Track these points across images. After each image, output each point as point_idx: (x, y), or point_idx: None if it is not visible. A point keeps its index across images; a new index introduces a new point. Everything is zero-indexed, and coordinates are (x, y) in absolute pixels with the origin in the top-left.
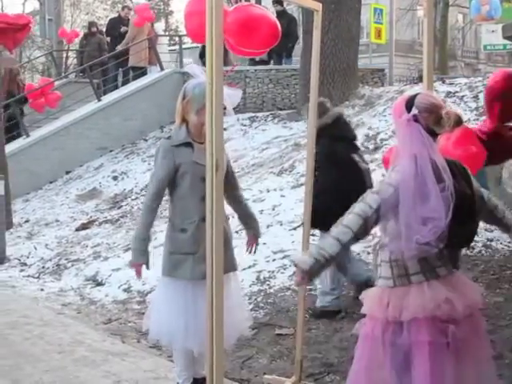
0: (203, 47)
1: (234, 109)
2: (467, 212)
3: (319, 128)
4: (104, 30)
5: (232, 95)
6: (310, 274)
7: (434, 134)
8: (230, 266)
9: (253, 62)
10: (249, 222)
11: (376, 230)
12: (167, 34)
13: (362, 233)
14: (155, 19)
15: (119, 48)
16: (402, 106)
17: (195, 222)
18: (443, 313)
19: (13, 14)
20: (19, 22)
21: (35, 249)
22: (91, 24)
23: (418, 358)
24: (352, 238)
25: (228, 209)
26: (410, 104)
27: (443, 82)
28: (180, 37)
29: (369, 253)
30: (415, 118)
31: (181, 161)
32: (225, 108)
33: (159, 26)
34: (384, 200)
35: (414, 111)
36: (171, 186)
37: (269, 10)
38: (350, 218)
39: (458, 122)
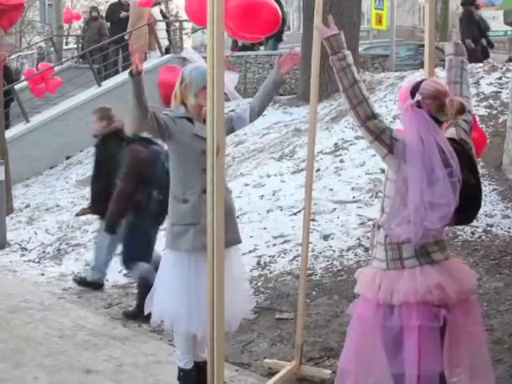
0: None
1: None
2: (471, 199)
3: (109, 132)
4: (104, 15)
5: (228, 79)
6: (335, 35)
7: (437, 121)
8: (232, 238)
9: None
10: (266, 86)
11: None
12: (167, 18)
13: (367, 112)
14: (154, 4)
15: (126, 35)
16: (407, 92)
17: (196, 192)
18: (434, 298)
19: None
20: (14, 2)
21: (36, 234)
22: (92, 9)
23: (408, 341)
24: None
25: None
26: (414, 90)
27: (444, 68)
28: (181, 22)
29: (368, 238)
30: (418, 104)
31: (181, 131)
32: (225, 94)
33: (157, 11)
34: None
35: (418, 97)
36: (172, 158)
37: None
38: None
39: (461, 110)
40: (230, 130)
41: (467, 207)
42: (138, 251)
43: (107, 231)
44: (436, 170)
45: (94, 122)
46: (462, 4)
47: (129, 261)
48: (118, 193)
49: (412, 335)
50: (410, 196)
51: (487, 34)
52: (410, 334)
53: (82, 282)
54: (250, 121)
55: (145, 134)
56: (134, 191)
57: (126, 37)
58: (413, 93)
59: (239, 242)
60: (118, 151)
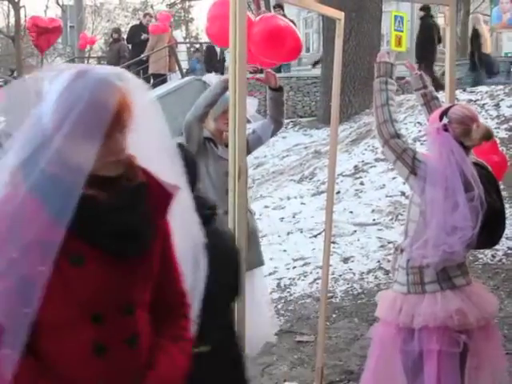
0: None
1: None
2: (496, 222)
3: None
4: (125, 37)
5: (249, 105)
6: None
7: (463, 146)
8: (255, 261)
9: None
10: (269, 106)
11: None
12: (188, 41)
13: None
14: (175, 27)
15: (143, 57)
16: (437, 115)
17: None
18: (455, 323)
19: (47, 18)
20: (53, 25)
21: None
22: (114, 31)
23: (428, 366)
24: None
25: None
26: (443, 114)
27: (464, 90)
28: (201, 44)
29: (389, 261)
30: (445, 128)
31: (207, 152)
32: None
33: (179, 34)
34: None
35: (445, 121)
36: None
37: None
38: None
39: (487, 136)
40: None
41: (492, 230)
42: None
43: None
44: (456, 194)
45: None
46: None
47: None
48: None
49: (432, 360)
50: (430, 219)
51: None
52: (429, 358)
53: None
54: (271, 135)
55: None
56: None
57: (145, 59)
58: (442, 116)
59: (262, 264)
60: None
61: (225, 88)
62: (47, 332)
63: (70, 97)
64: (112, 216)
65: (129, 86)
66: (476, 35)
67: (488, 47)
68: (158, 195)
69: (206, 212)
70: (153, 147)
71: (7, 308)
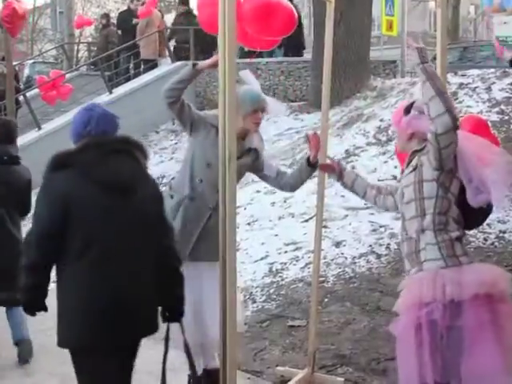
0: None
1: None
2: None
3: None
4: (115, 23)
5: (276, 106)
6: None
7: None
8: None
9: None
10: (298, 169)
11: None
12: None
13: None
14: (165, 12)
15: (133, 42)
16: (400, 112)
17: (185, 197)
18: (497, 291)
19: (16, 1)
20: (24, 9)
21: None
22: (102, 16)
23: (485, 337)
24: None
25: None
26: (409, 108)
27: (455, 74)
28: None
29: (381, 245)
30: None
31: (206, 137)
32: (263, 111)
33: (169, 19)
34: None
35: (414, 112)
36: (188, 155)
37: None
38: None
39: None
40: (256, 169)
41: (478, 211)
42: None
43: None
44: None
45: None
46: None
47: None
48: None
49: (488, 331)
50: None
51: None
52: (485, 330)
53: None
54: (280, 188)
55: None
56: None
57: (136, 44)
58: (407, 110)
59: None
60: None
61: (193, 74)
62: None
63: None
64: None
65: None
66: None
67: None
68: None
69: None
70: None
71: None
